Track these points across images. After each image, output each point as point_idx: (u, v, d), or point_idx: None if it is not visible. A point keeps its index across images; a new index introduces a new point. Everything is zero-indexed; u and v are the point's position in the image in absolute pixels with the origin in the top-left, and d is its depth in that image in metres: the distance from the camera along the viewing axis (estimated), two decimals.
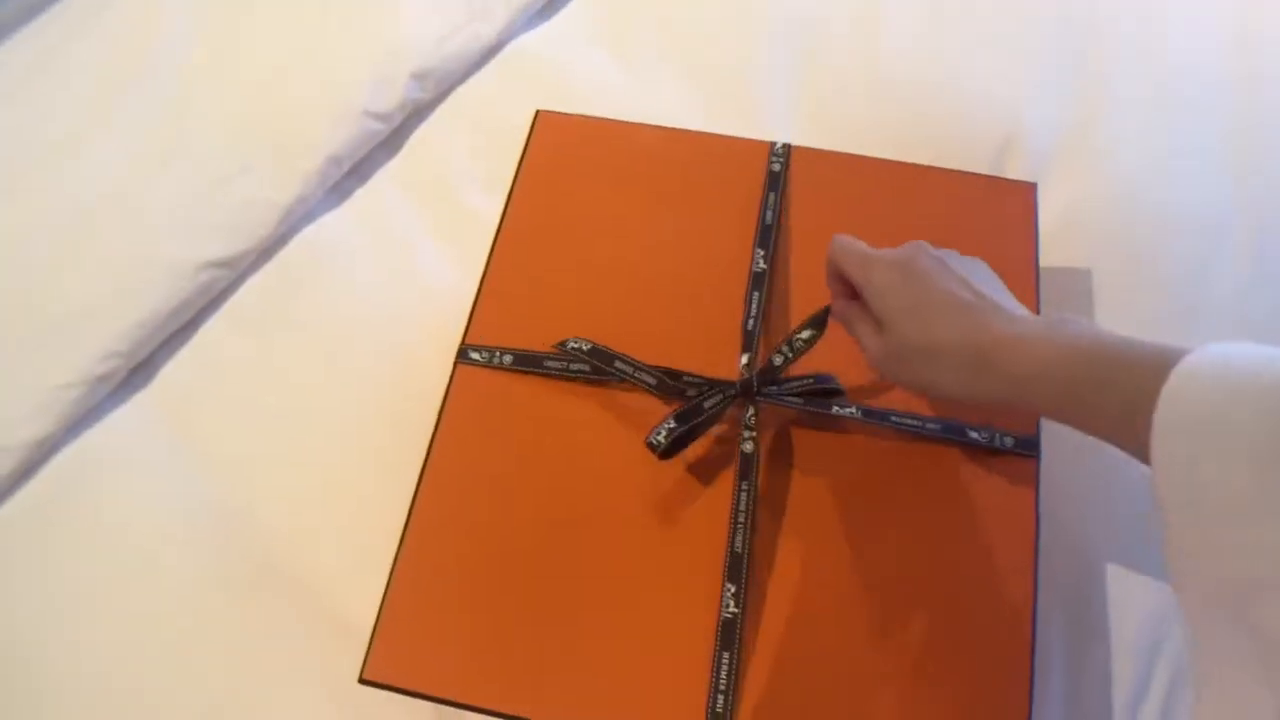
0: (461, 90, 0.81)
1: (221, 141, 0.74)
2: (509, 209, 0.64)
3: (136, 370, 0.70)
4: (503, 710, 0.50)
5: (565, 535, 0.54)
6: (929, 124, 0.76)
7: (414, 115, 0.79)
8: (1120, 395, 0.38)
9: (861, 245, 0.50)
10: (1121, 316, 0.68)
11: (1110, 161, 0.74)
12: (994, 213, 0.62)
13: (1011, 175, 0.74)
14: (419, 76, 0.77)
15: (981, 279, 0.48)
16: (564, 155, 0.66)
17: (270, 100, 0.76)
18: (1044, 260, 0.65)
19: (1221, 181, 0.73)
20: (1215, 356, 0.35)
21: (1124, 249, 0.71)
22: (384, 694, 0.52)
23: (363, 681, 0.51)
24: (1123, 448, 0.39)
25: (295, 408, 0.68)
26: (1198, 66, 0.79)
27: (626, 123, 0.67)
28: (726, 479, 0.54)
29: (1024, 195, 0.63)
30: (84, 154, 0.74)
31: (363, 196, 0.76)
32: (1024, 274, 0.60)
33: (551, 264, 0.62)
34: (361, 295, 0.72)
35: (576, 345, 0.57)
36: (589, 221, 0.63)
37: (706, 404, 0.53)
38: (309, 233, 0.74)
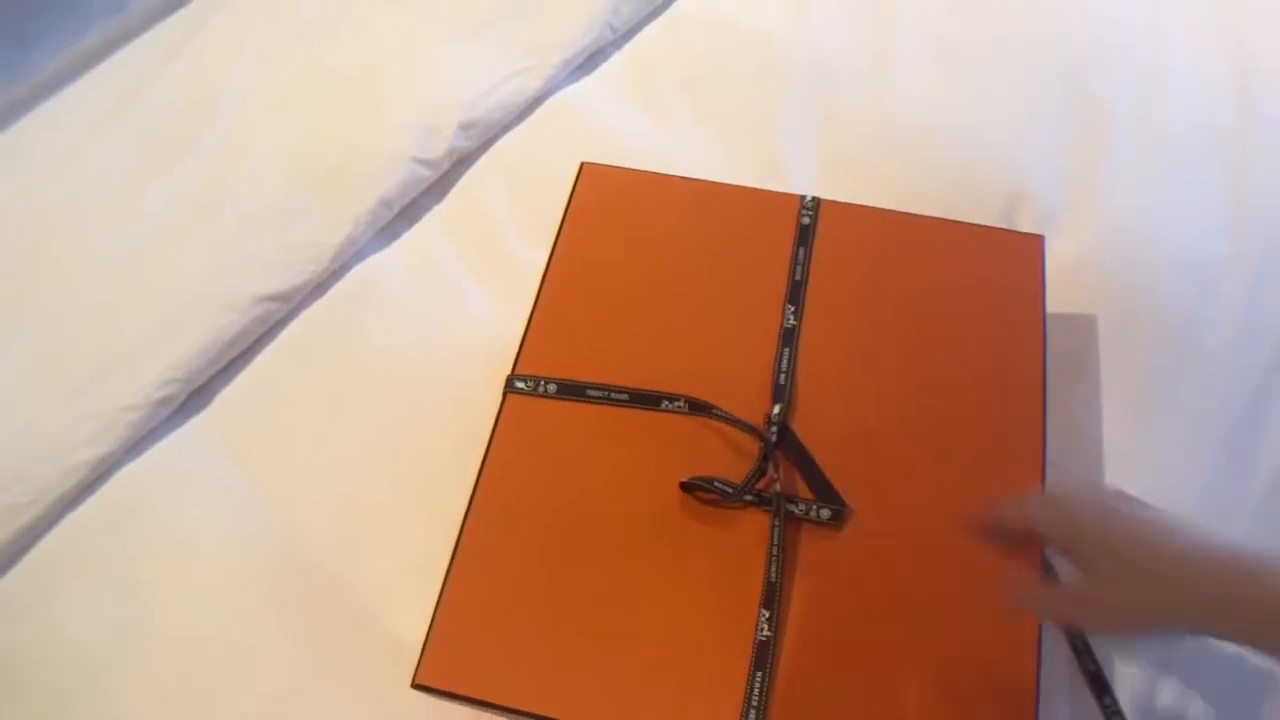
0: (504, 140, 0.86)
1: (279, 183, 0.79)
2: (555, 252, 0.68)
3: (194, 395, 0.74)
4: (546, 713, 0.52)
5: (608, 551, 0.57)
6: (940, 173, 0.81)
7: (460, 163, 0.84)
8: None
9: (1068, 511, 0.50)
10: (1122, 362, 0.72)
11: (1113, 210, 0.78)
12: (1003, 264, 0.66)
13: (1021, 223, 0.78)
14: (465, 126, 0.82)
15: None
16: (606, 204, 0.70)
17: (326, 145, 0.81)
18: (1050, 307, 0.68)
19: (1219, 228, 0.77)
20: None
21: (1126, 295, 0.74)
22: (427, 711, 0.55)
23: (415, 686, 0.54)
24: None
25: (345, 434, 0.72)
26: (1197, 115, 0.83)
27: (664, 175, 0.72)
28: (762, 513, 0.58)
29: (1032, 247, 0.67)
30: (151, 191, 0.79)
31: (410, 238, 0.81)
32: (1031, 323, 0.63)
33: (594, 305, 0.66)
34: (407, 330, 0.76)
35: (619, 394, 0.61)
36: (629, 267, 0.67)
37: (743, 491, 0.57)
38: (359, 270, 0.79)
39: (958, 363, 0.62)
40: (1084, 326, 0.74)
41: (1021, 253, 0.66)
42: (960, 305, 0.64)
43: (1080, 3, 0.92)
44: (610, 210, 0.70)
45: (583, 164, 0.72)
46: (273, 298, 0.75)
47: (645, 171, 0.72)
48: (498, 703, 0.53)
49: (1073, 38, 0.89)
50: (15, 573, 0.67)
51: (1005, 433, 0.60)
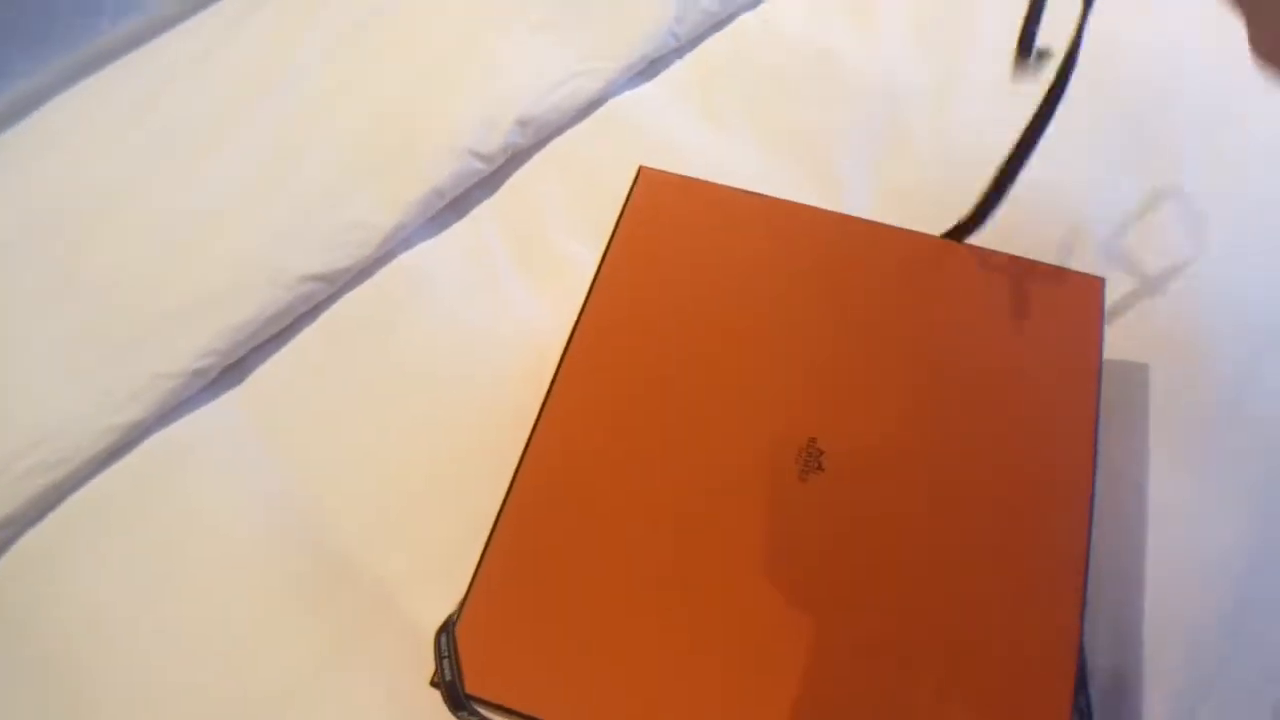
0: (559, 140, 0.85)
1: (334, 165, 0.79)
2: (609, 253, 0.67)
3: (230, 369, 0.74)
4: None
5: (650, 553, 0.56)
6: (1000, 205, 0.79)
7: (514, 159, 0.84)
8: None
9: None
10: (1172, 414, 0.70)
11: (1174, 258, 0.77)
12: (1061, 303, 0.64)
13: (1078, 262, 0.76)
14: (522, 123, 0.82)
15: None
16: (662, 210, 0.69)
17: (383, 131, 0.81)
18: (1105, 353, 0.67)
19: (1276, 283, 0.75)
20: None
21: (1181, 347, 0.73)
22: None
23: (434, 684, 0.53)
24: None
25: (377, 421, 0.71)
26: (1268, 165, 0.82)
27: (722, 185, 0.71)
28: None
29: (1092, 289, 0.65)
30: (208, 162, 0.79)
31: (459, 230, 0.80)
32: (1087, 368, 0.61)
33: (646, 308, 0.65)
34: (450, 321, 0.76)
35: None
36: (682, 272, 0.66)
37: None
38: (406, 258, 0.78)
39: (1006, 403, 0.60)
40: (1135, 375, 0.72)
41: (1081, 294, 0.65)
42: (1013, 344, 0.63)
43: (1153, 41, 0.90)
44: (667, 216, 0.69)
45: (641, 168, 0.71)
46: (317, 278, 0.74)
47: (702, 181, 0.71)
48: (520, 710, 0.52)
49: (1145, 77, 0.88)
50: (39, 530, 0.67)
51: (1051, 479, 0.58)
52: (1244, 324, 0.74)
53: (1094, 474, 0.58)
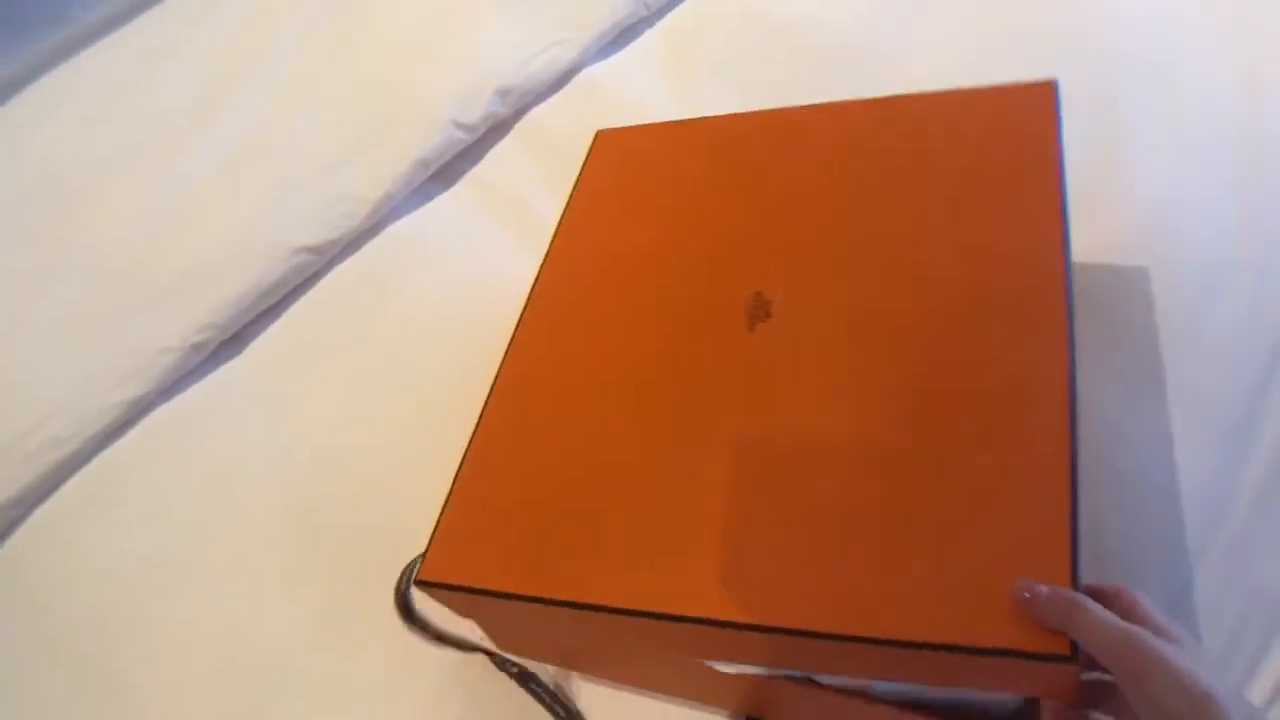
0: (537, 109, 0.88)
1: (320, 140, 0.81)
2: (573, 193, 0.69)
3: (227, 342, 0.76)
4: (551, 596, 0.49)
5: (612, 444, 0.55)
6: None
7: (494, 129, 0.86)
8: None
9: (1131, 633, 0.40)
10: (1131, 348, 0.74)
11: (1127, 203, 0.81)
12: (1013, 116, 0.59)
13: None
14: (502, 93, 0.84)
15: None
16: (619, 154, 0.71)
17: (368, 105, 0.83)
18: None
19: (1228, 224, 0.80)
20: None
21: (1137, 285, 0.77)
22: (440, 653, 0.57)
23: (419, 583, 0.54)
24: None
25: (373, 385, 0.74)
26: (1209, 116, 0.86)
27: (673, 121, 0.71)
28: None
29: (1043, 94, 0.59)
30: (194, 140, 0.80)
31: (444, 199, 0.83)
32: (1048, 175, 0.56)
33: (606, 228, 0.66)
34: (438, 287, 0.78)
35: None
36: (639, 192, 0.67)
37: None
38: (394, 229, 0.80)
39: (961, 227, 0.55)
40: (1095, 313, 0.76)
41: (1033, 101, 0.58)
42: (967, 169, 0.57)
43: (1097, 4, 0.94)
44: (624, 156, 0.70)
45: (598, 132, 0.73)
46: (309, 249, 0.76)
47: (657, 124, 0.72)
48: (507, 590, 0.50)
49: (1090, 36, 0.92)
50: (52, 503, 0.69)
51: (1020, 294, 0.51)
52: (1196, 267, 0.78)
53: (1068, 291, 0.51)
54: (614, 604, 0.48)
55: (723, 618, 0.46)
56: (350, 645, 0.63)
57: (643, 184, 0.69)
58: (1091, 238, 0.79)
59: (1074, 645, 0.39)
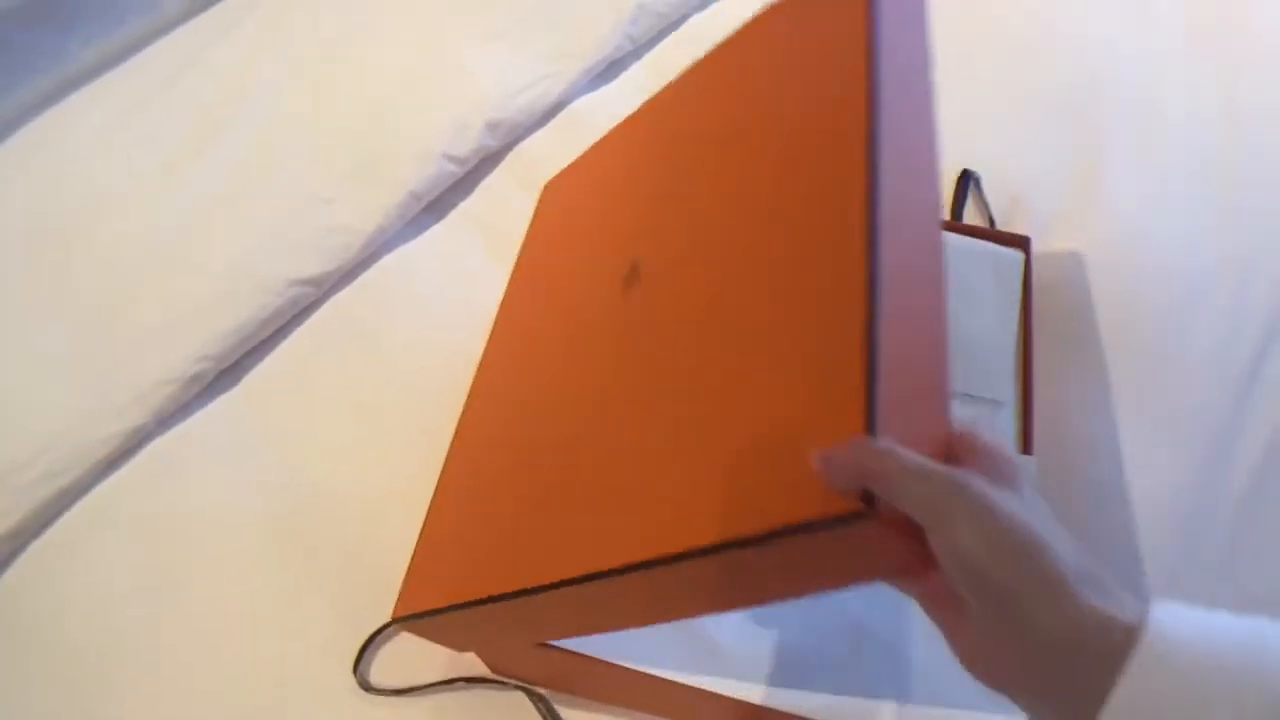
0: (526, 143, 0.90)
1: (315, 173, 0.82)
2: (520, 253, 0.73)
3: (224, 374, 0.77)
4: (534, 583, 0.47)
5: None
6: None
7: (485, 162, 0.88)
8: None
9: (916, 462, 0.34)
10: (1111, 362, 0.76)
11: (1106, 219, 0.83)
12: (826, 15, 0.52)
13: (1018, 228, 0.80)
14: (492, 126, 0.86)
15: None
16: (556, 200, 0.74)
17: (360, 137, 0.84)
18: (1042, 310, 0.72)
19: (1205, 239, 0.81)
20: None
21: (1117, 299, 0.78)
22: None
23: (396, 621, 0.55)
24: None
25: (369, 416, 0.75)
26: (1186, 134, 0.88)
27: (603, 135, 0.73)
28: None
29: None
30: (190, 174, 0.82)
31: (437, 230, 0.84)
32: (853, 83, 0.46)
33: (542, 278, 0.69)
34: (431, 318, 0.79)
35: None
36: (571, 234, 0.70)
37: None
38: (387, 260, 0.82)
39: (781, 147, 0.50)
40: (1075, 328, 0.78)
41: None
42: (787, 87, 0.53)
43: (1076, 28, 0.97)
44: (558, 203, 0.74)
45: (545, 185, 0.77)
46: (305, 281, 0.78)
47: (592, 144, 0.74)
48: (485, 595, 0.50)
49: (1069, 60, 0.94)
50: (48, 535, 0.70)
51: (820, 202, 0.45)
52: (1175, 281, 0.79)
53: (872, 174, 0.42)
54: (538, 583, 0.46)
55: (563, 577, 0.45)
56: (344, 677, 0.64)
57: (572, 211, 0.71)
58: (1072, 254, 0.81)
59: (871, 499, 0.34)
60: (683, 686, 0.54)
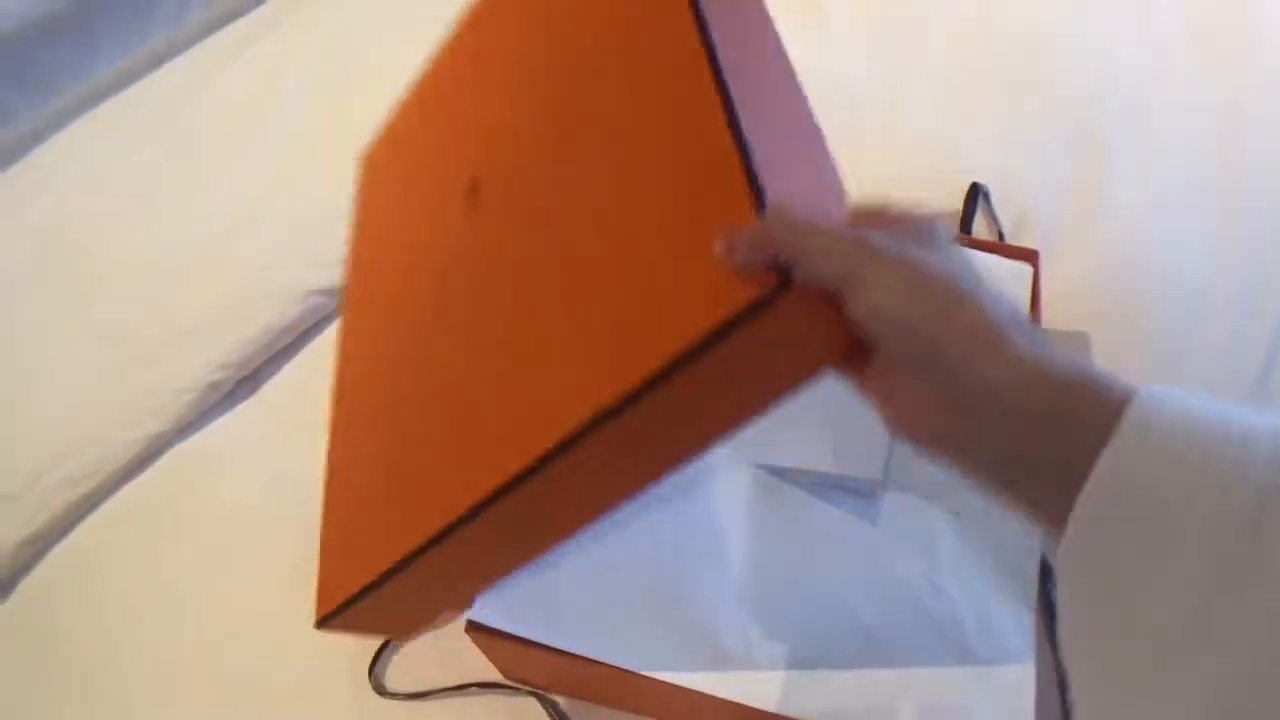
0: None
1: (334, 184, 0.83)
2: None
3: (244, 381, 0.78)
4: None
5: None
6: (947, 193, 0.85)
7: None
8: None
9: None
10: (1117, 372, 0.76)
11: (1109, 234, 0.83)
12: None
13: (1024, 242, 0.80)
14: None
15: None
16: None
17: None
18: (1049, 323, 0.73)
19: (1208, 254, 0.82)
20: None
21: (1120, 314, 0.79)
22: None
23: (319, 625, 0.56)
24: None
25: None
26: (1188, 146, 0.89)
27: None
28: None
29: None
30: (213, 187, 0.84)
31: None
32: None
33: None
34: None
35: None
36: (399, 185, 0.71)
37: None
38: None
39: (620, 72, 0.47)
40: (1079, 343, 0.78)
41: None
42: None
43: (1079, 42, 0.97)
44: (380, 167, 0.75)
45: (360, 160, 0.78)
46: (322, 292, 0.79)
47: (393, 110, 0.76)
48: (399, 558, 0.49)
49: (1073, 73, 0.95)
50: (70, 541, 0.71)
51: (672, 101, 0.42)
52: (1178, 294, 0.80)
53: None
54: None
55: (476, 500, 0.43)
56: (359, 681, 0.65)
57: (396, 165, 0.72)
58: (1074, 269, 0.82)
59: (786, 275, 0.33)
60: (693, 693, 0.54)
